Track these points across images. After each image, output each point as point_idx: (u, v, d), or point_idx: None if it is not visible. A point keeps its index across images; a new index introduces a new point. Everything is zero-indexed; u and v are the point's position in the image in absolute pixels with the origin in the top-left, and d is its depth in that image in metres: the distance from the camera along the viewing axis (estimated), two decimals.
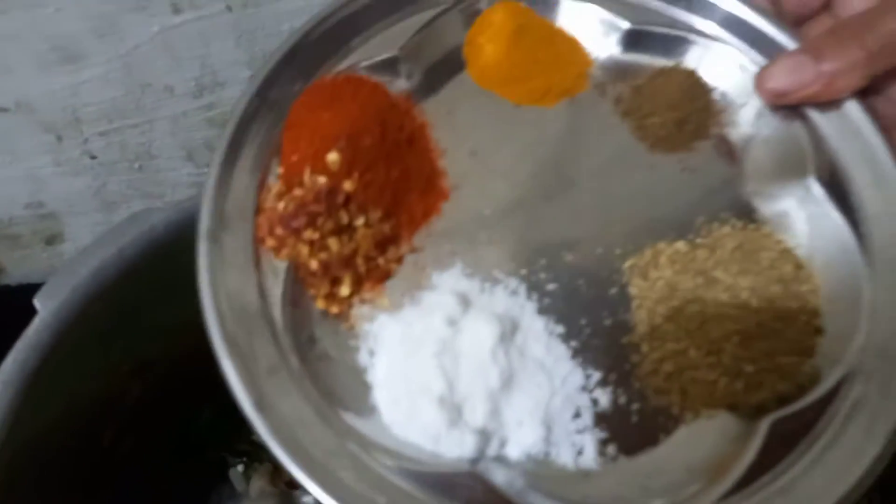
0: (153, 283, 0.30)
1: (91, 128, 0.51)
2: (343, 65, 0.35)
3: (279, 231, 0.30)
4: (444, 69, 0.37)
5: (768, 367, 0.29)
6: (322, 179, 0.31)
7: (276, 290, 0.30)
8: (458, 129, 0.35)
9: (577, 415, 0.29)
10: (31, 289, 0.47)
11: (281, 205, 0.31)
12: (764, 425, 0.28)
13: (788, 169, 0.34)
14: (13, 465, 0.35)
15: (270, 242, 0.30)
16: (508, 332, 0.29)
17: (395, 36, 0.36)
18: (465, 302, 0.30)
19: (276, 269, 0.31)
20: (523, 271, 0.32)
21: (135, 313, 0.31)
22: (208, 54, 0.48)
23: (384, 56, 0.36)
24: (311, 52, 0.35)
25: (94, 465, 0.42)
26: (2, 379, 0.35)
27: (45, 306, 0.37)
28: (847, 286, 0.31)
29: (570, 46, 0.38)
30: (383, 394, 0.29)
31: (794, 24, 0.37)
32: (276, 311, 0.30)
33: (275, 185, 0.32)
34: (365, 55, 0.36)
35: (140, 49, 0.47)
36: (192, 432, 0.41)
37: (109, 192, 0.56)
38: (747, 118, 0.35)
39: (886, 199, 0.32)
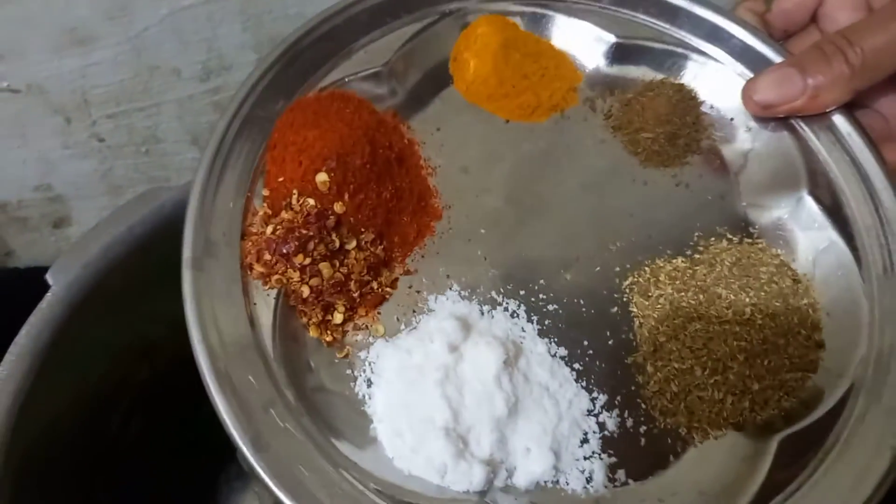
0: (161, 262, 0.29)
1: (99, 110, 0.51)
2: (327, 81, 0.34)
3: (268, 257, 0.29)
4: (431, 84, 0.36)
5: (773, 384, 0.28)
6: (311, 202, 0.30)
7: (266, 318, 0.28)
8: (448, 146, 0.34)
9: (584, 440, 0.28)
10: (39, 272, 0.45)
11: (269, 229, 0.29)
12: (773, 444, 0.27)
13: (781, 182, 0.34)
14: (29, 441, 0.34)
15: (259, 269, 0.29)
16: (512, 356, 0.28)
17: (380, 50, 0.35)
18: (465, 326, 0.29)
19: (266, 297, 0.29)
20: (522, 292, 0.31)
21: (143, 291, 0.31)
22: (215, 37, 0.48)
23: (369, 71, 0.35)
24: (293, 68, 0.33)
25: (102, 446, 0.40)
26: (16, 351, 0.34)
27: (57, 281, 0.36)
28: (845, 299, 0.31)
29: (558, 61, 0.37)
30: (385, 426, 0.27)
31: (781, 37, 0.37)
32: (268, 342, 0.28)
33: (261, 208, 0.30)
34: (349, 70, 0.34)
35: (149, 31, 0.47)
36: (198, 414, 0.40)
37: (116, 176, 0.56)
38: (738, 131, 0.35)
39: (875, 209, 0.32)
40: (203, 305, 0.27)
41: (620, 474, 0.28)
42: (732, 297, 0.30)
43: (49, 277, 0.36)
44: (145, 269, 0.37)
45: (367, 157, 0.31)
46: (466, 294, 0.31)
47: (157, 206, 0.38)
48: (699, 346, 0.29)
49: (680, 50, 0.36)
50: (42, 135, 0.52)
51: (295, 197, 0.30)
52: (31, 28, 0.46)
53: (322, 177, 0.30)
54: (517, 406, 0.28)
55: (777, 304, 0.30)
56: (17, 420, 0.33)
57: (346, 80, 0.34)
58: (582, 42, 0.37)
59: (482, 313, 0.30)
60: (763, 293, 0.30)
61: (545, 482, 0.27)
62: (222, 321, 0.27)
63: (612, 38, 0.37)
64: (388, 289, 0.30)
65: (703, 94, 0.36)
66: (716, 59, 0.36)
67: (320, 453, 0.26)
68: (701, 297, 0.30)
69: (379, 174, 0.31)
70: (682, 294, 0.31)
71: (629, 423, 0.29)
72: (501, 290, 0.31)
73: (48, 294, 0.36)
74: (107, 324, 0.38)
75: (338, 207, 0.30)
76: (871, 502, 0.26)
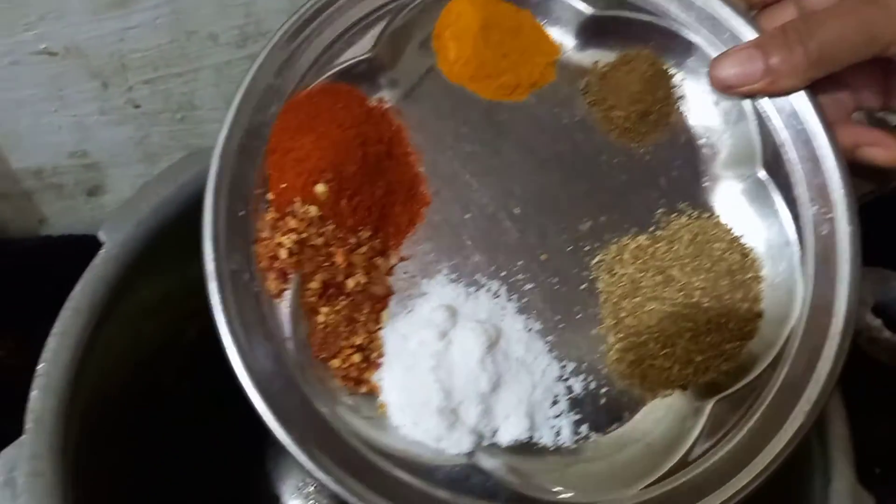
0: None
1: (136, 75, 0.51)
2: (316, 76, 0.36)
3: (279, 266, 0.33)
4: (416, 65, 0.38)
5: (715, 354, 0.34)
6: (313, 210, 0.33)
7: (285, 313, 0.33)
8: (434, 130, 0.37)
9: (554, 402, 0.34)
10: (73, 240, 0.45)
11: (278, 237, 0.33)
12: (709, 406, 0.33)
13: (740, 158, 0.37)
14: (88, 397, 0.37)
15: (273, 285, 0.33)
16: (494, 338, 0.33)
17: (365, 38, 0.36)
18: (453, 314, 0.34)
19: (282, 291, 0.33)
20: (503, 273, 0.36)
21: (190, 252, 0.32)
22: (253, 2, 0.48)
23: (356, 60, 0.36)
24: (283, 70, 0.35)
25: (157, 404, 0.44)
26: (72, 306, 0.37)
27: (111, 238, 0.38)
28: (786, 272, 0.35)
29: (537, 35, 0.38)
30: (392, 398, 0.33)
31: (759, 5, 0.38)
32: (287, 328, 0.33)
33: (267, 213, 0.34)
34: (337, 63, 0.36)
35: None
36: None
37: (151, 144, 0.57)
38: (706, 106, 0.38)
39: (821, 191, 0.35)
40: (231, 312, 0.32)
41: (584, 429, 0.34)
42: (685, 280, 0.34)
43: (101, 235, 0.38)
44: (194, 229, 0.37)
45: (359, 162, 0.34)
46: (454, 277, 0.35)
47: (205, 166, 0.36)
48: (653, 323, 0.34)
49: (655, 21, 0.37)
50: (79, 99, 0.52)
51: (298, 204, 0.33)
52: None
53: (321, 188, 0.33)
54: (499, 381, 0.33)
55: (724, 283, 0.35)
56: (77, 375, 0.37)
57: (335, 72, 0.36)
58: (559, 14, 0.38)
59: (467, 295, 0.35)
60: (713, 273, 0.35)
61: (522, 439, 0.33)
62: (246, 322, 0.32)
63: (589, 10, 0.38)
64: (386, 282, 0.35)
65: (675, 67, 0.38)
66: (690, 30, 0.37)
67: (336, 424, 0.32)
68: (658, 278, 0.35)
69: (371, 174, 0.34)
70: (643, 275, 0.35)
71: (592, 385, 0.34)
72: (485, 273, 0.35)
73: (101, 251, 0.38)
74: (157, 283, 0.40)
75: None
76: (770, 466, 0.31)
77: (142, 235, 0.39)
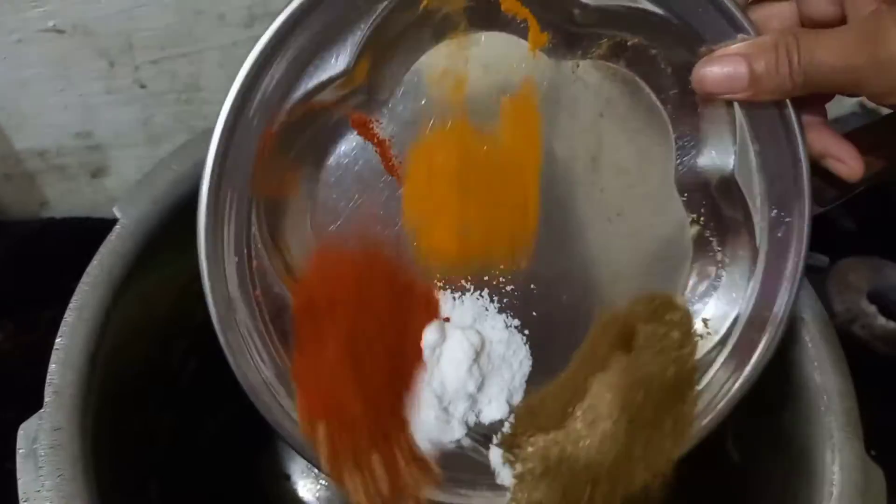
0: None
1: (143, 55, 0.51)
2: (292, 100, 0.34)
3: None
4: (399, 72, 0.35)
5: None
6: None
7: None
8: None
9: None
10: (76, 223, 0.46)
11: None
12: None
13: (714, 154, 0.38)
14: (104, 370, 0.38)
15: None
16: (478, 347, 0.38)
17: (341, 53, 0.34)
18: (442, 329, 0.37)
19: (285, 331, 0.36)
20: (486, 277, 0.39)
21: None
22: None
23: (330, 75, 0.34)
24: (261, 98, 0.33)
25: (163, 379, 0.47)
26: (89, 282, 0.37)
27: (127, 214, 0.38)
28: (739, 271, 0.39)
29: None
30: None
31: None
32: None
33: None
34: (313, 82, 0.34)
35: None
36: None
37: (156, 125, 0.56)
38: (690, 104, 0.37)
39: (783, 195, 0.36)
40: (239, 360, 0.35)
41: None
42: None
43: (117, 211, 0.39)
44: None
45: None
46: (441, 284, 0.38)
47: None
48: None
49: (652, 9, 0.35)
50: (85, 79, 0.52)
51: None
52: None
53: None
54: (483, 381, 0.38)
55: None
56: (94, 349, 0.37)
57: (312, 92, 0.34)
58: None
59: (454, 301, 0.38)
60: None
61: (501, 419, 0.40)
62: (255, 362, 0.35)
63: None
64: None
65: (664, 59, 0.36)
66: (679, 21, 0.35)
67: None
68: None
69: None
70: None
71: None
72: (469, 278, 0.38)
73: (117, 227, 0.38)
74: (171, 261, 0.41)
75: None
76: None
77: (157, 212, 0.39)
